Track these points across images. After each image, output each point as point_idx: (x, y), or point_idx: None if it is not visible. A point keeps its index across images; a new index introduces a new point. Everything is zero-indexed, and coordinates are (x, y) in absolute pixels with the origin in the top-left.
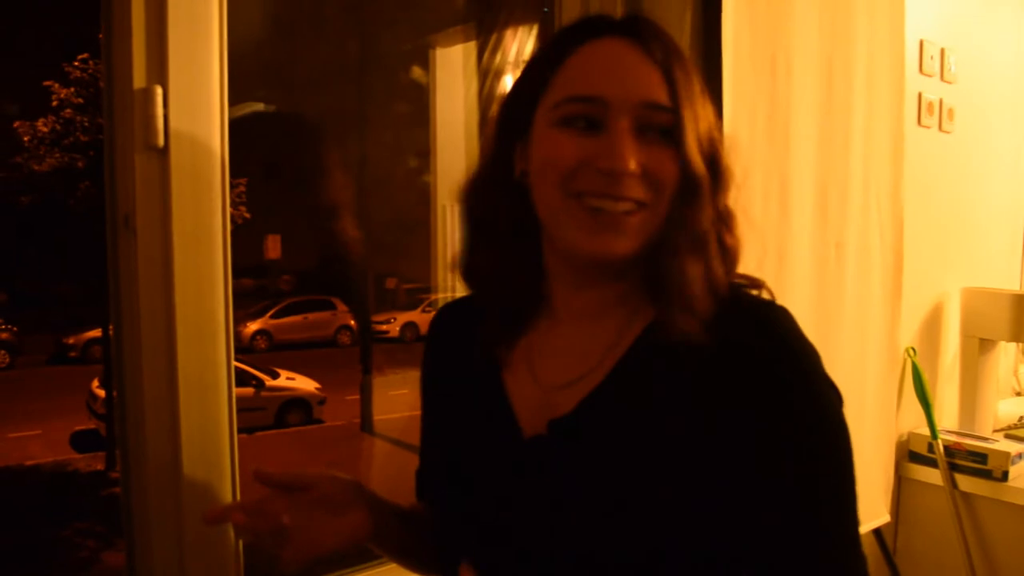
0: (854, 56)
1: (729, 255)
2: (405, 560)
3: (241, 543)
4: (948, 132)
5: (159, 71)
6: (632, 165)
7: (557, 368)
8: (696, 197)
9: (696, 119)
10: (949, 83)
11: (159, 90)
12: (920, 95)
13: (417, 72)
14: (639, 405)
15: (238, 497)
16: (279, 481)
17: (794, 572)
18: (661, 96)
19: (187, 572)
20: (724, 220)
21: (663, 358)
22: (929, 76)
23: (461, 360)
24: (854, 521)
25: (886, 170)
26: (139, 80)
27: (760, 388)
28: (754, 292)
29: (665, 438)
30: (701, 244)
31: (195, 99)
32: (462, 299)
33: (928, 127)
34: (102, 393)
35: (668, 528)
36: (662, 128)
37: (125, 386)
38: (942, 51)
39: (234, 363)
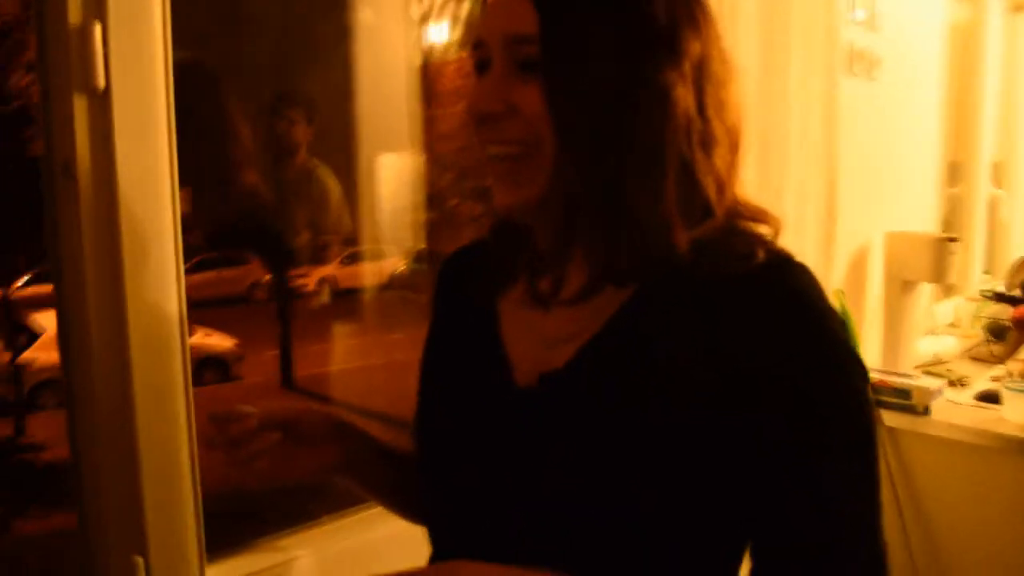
0: (790, 8)
1: (698, 183)
2: (386, 499)
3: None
4: (874, 80)
5: (96, 6)
6: (485, 105)
7: (560, 319)
8: (573, 133)
9: (579, 45)
10: (876, 32)
11: (98, 27)
12: (851, 44)
13: (336, 15)
14: (632, 363)
15: (196, 457)
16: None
17: (811, 559)
18: (526, 28)
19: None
20: (665, 150)
21: (663, 313)
22: (857, 25)
23: (466, 307)
24: (877, 506)
25: (821, 120)
26: (75, 17)
27: (780, 364)
28: (759, 230)
29: (658, 401)
30: (606, 183)
31: (137, 36)
32: (474, 243)
33: (857, 75)
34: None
35: (652, 494)
36: (535, 61)
37: (71, 349)
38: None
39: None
